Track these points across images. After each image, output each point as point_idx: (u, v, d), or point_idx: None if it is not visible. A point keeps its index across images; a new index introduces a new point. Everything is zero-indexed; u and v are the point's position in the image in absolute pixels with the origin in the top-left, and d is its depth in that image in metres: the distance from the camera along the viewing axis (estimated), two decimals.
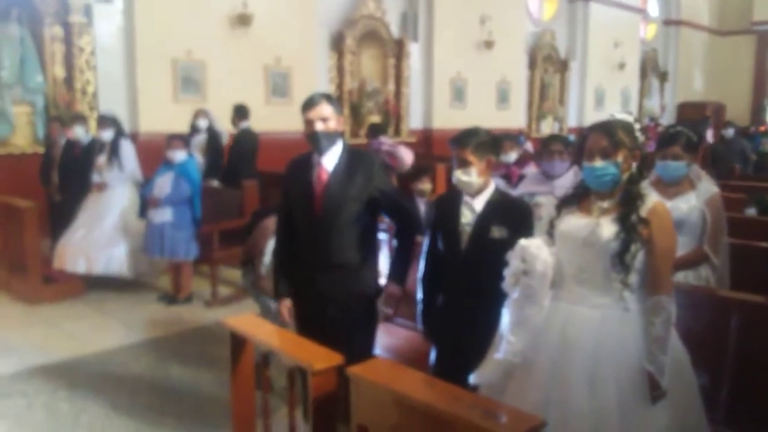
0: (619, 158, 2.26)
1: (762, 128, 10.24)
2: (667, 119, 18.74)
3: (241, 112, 7.40)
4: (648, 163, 2.36)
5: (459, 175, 2.73)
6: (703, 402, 2.35)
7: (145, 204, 5.55)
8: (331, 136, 2.88)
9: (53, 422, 3.60)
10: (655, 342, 2.20)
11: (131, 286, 5.97)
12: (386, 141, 7.27)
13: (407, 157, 6.87)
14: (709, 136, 8.39)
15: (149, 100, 7.86)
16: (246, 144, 7.29)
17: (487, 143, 2.78)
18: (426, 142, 11.60)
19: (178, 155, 5.49)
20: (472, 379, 2.50)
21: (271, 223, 3.77)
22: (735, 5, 20.17)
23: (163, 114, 7.82)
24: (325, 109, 2.87)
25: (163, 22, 7.84)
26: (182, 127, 7.32)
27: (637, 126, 2.32)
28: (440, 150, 11.11)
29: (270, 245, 3.74)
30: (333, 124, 2.88)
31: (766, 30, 20.02)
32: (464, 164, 2.72)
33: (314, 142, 2.87)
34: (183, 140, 5.60)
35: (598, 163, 2.27)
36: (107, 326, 5.12)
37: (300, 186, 2.95)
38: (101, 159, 5.88)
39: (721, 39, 20.70)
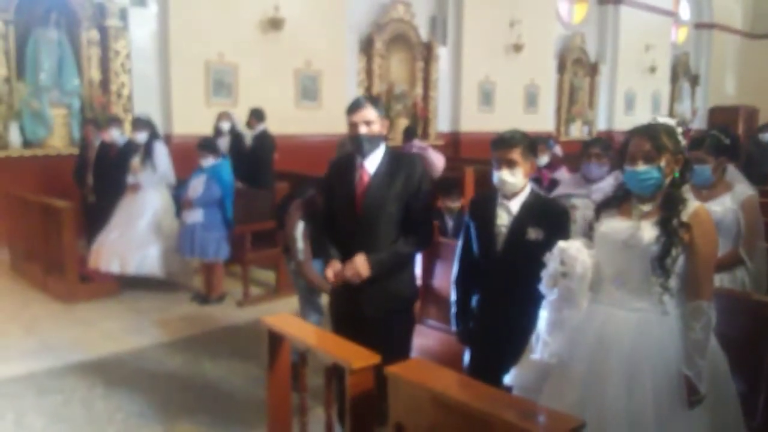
0: (662, 162, 2.24)
1: None
2: (699, 123, 18.48)
3: (258, 115, 7.47)
4: (689, 168, 2.33)
5: (505, 177, 2.72)
6: (741, 408, 2.32)
7: (180, 205, 5.64)
8: (375, 139, 2.92)
9: (89, 419, 3.67)
10: (694, 346, 2.18)
11: (165, 286, 6.06)
12: (417, 144, 7.29)
13: (439, 161, 6.89)
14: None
15: (182, 102, 8.00)
16: (266, 146, 7.37)
17: (532, 145, 2.79)
18: (454, 146, 11.60)
19: (207, 163, 5.60)
20: (507, 379, 2.51)
21: (294, 208, 3.91)
22: (767, 8, 19.81)
23: (195, 116, 7.95)
24: (370, 113, 2.90)
25: (196, 26, 7.98)
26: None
27: (679, 130, 2.30)
28: (468, 153, 11.11)
29: (299, 230, 3.85)
30: (377, 128, 2.91)
31: None
32: (511, 165, 2.71)
33: (358, 145, 2.91)
34: (211, 148, 5.67)
35: (641, 167, 2.26)
36: (141, 325, 5.20)
37: (342, 187, 2.99)
38: (135, 161, 5.98)
39: (754, 42, 20.35)
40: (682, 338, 2.21)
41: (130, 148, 6.19)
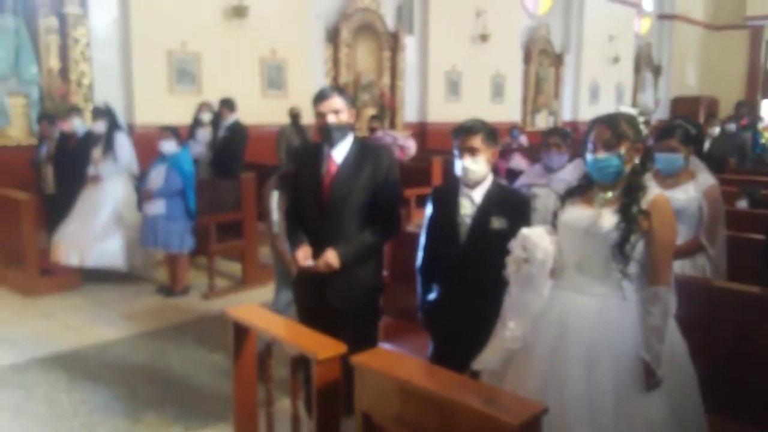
0: (622, 150, 2.28)
1: (743, 122, 10.23)
2: (661, 113, 18.83)
3: (229, 105, 7.40)
4: (650, 156, 2.38)
5: (468, 164, 2.74)
6: (699, 391, 2.38)
7: (141, 197, 5.55)
8: (343, 129, 2.92)
9: (53, 413, 3.60)
10: (651, 331, 2.23)
11: (128, 278, 5.98)
12: (390, 133, 7.32)
13: (410, 143, 6.94)
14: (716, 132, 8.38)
15: (145, 91, 7.85)
16: (239, 137, 7.30)
17: (494, 133, 2.82)
18: (421, 136, 11.60)
19: (168, 146, 5.50)
20: (474, 365, 2.52)
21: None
22: (728, 0, 20.22)
23: (158, 106, 7.81)
24: (337, 102, 2.90)
25: (159, 14, 7.82)
26: (177, 118, 7.31)
27: (641, 119, 2.34)
28: (435, 143, 11.15)
29: (273, 201, 3.84)
30: (345, 117, 2.92)
31: (760, 25, 20.09)
32: (473, 152, 2.74)
33: (326, 134, 2.91)
34: (174, 132, 5.59)
35: (602, 154, 2.30)
36: (105, 318, 5.12)
37: (309, 176, 2.99)
38: (96, 151, 5.86)
39: (714, 33, 20.78)
40: (641, 323, 2.26)
41: (89, 138, 6.06)
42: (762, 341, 2.64)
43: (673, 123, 3.40)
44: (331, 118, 2.88)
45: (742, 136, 9.60)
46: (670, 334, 2.32)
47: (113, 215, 5.85)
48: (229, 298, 5.59)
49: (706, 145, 8.06)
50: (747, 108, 9.98)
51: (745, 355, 2.69)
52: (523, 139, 11.89)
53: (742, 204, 5.53)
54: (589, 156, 2.34)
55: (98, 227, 5.77)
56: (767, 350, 2.61)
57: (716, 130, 9.16)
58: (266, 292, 5.28)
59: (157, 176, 5.51)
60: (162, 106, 7.79)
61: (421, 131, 11.73)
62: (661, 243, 2.27)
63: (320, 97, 2.93)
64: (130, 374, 4.12)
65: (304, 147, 3.24)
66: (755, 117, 12.68)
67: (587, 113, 15.70)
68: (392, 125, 11.14)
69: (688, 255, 3.22)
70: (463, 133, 2.76)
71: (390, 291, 3.78)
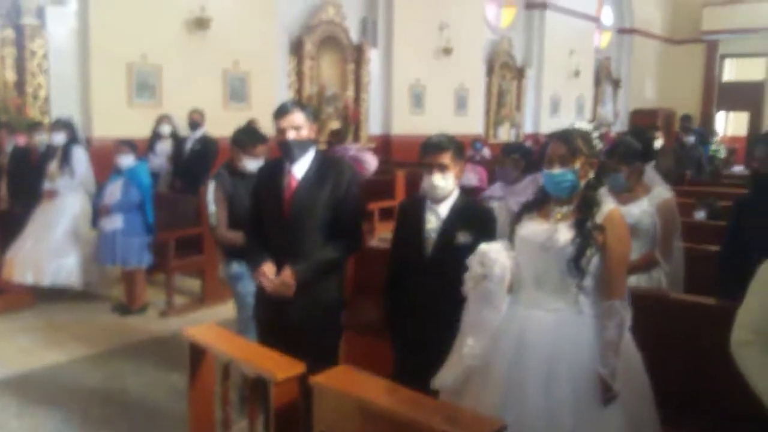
0: (577, 165, 2.31)
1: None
2: (621, 126, 19.20)
3: (199, 117, 7.31)
4: (605, 171, 2.41)
5: (437, 181, 2.74)
6: (655, 402, 2.40)
7: (97, 212, 5.41)
8: (303, 145, 2.89)
9: None
10: (607, 345, 2.25)
11: (83, 296, 5.81)
12: (352, 147, 7.28)
13: (372, 162, 6.90)
14: (658, 144, 8.45)
15: (103, 104, 7.69)
16: (210, 150, 7.20)
17: (461, 149, 2.83)
18: (385, 148, 11.63)
19: (126, 160, 5.40)
20: (433, 383, 2.51)
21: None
22: (685, 15, 20.79)
23: (117, 119, 7.66)
24: (298, 118, 2.87)
25: (118, 25, 7.69)
26: (137, 131, 7.23)
27: (595, 134, 2.37)
28: (399, 155, 11.17)
29: (210, 193, 3.84)
30: (305, 132, 2.89)
31: (715, 39, 20.70)
32: (443, 169, 2.74)
33: (286, 150, 2.88)
34: (131, 145, 5.49)
35: (557, 169, 2.32)
36: (59, 339, 4.96)
37: (270, 192, 2.95)
38: (53, 166, 5.71)
39: (672, 47, 21.32)
40: (598, 337, 2.27)
41: (49, 153, 5.91)
42: (716, 353, 2.67)
43: (616, 141, 3.45)
44: (292, 134, 2.85)
45: (699, 150, 9.86)
46: (626, 347, 2.34)
47: (70, 231, 5.69)
48: (188, 316, 5.48)
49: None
50: (690, 121, 10.27)
51: (699, 367, 2.73)
52: (486, 152, 12.00)
53: (701, 215, 5.64)
54: (545, 170, 2.36)
55: (54, 244, 5.60)
56: (721, 362, 2.64)
57: (691, 139, 9.43)
58: (227, 309, 5.19)
59: (114, 191, 5.39)
60: (121, 119, 7.64)
61: (386, 143, 11.75)
62: (616, 257, 2.29)
63: (281, 113, 2.89)
64: (84, 397, 3.99)
65: (265, 164, 3.19)
66: (704, 130, 13.01)
67: (548, 126, 15.91)
68: (356, 138, 11.14)
69: (643, 270, 3.26)
70: (433, 150, 2.76)
71: (353, 306, 3.75)
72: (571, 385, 2.23)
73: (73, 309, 5.62)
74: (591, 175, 2.34)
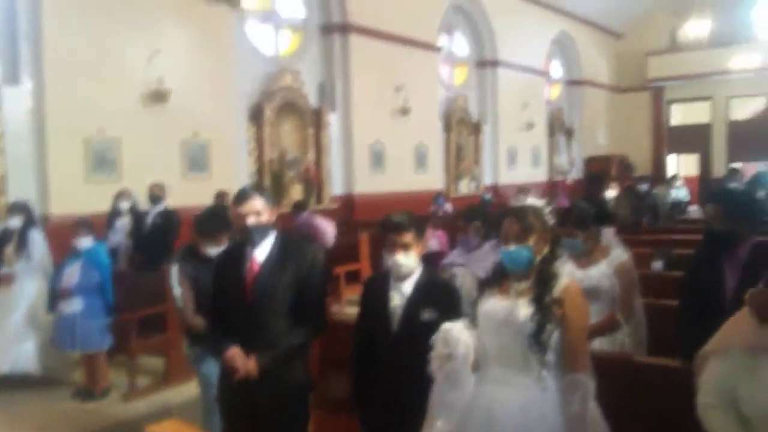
0: (531, 241, 2.37)
1: (626, 183, 10.81)
2: (576, 173, 19.71)
3: (160, 190, 7.27)
4: (559, 243, 2.48)
5: (400, 260, 2.78)
6: None
7: (54, 296, 5.28)
8: (263, 229, 2.91)
9: None
10: (572, 420, 2.26)
11: (42, 382, 5.59)
12: (305, 215, 7.31)
13: (329, 229, 6.92)
14: (611, 193, 8.55)
15: (61, 181, 7.59)
16: (172, 224, 7.14)
17: (423, 226, 2.87)
18: (348, 208, 11.70)
19: (84, 242, 5.32)
20: None
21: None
22: (631, 64, 21.63)
23: (75, 195, 7.57)
24: (257, 203, 2.89)
25: (75, 102, 7.66)
26: (96, 207, 7.18)
27: (547, 210, 2.44)
28: (362, 214, 11.25)
29: (173, 275, 3.90)
30: (265, 217, 2.90)
31: (659, 86, 21.58)
32: (405, 248, 2.78)
33: (246, 236, 2.89)
34: (88, 226, 5.41)
35: (512, 246, 2.38)
36: (19, 430, 4.75)
37: (232, 277, 2.94)
38: (9, 250, 5.59)
39: (619, 96, 22.15)
40: (563, 413, 2.28)
41: (4, 236, 5.78)
42: (683, 416, 2.70)
43: (568, 207, 3.54)
44: (252, 220, 2.87)
45: (653, 196, 10.16)
46: (592, 417, 2.35)
47: (28, 316, 5.54)
48: (152, 397, 5.31)
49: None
50: (631, 170, 10.64)
51: (664, 429, 2.74)
52: (448, 207, 12.15)
53: (658, 265, 5.74)
54: (502, 248, 2.42)
55: (13, 330, 5.46)
56: (689, 424, 2.67)
57: (644, 186, 9.71)
58: (191, 388, 5.07)
59: (73, 273, 5.28)
60: (79, 195, 7.55)
61: (348, 203, 11.83)
62: (576, 329, 2.33)
63: (240, 198, 2.91)
64: None
65: (226, 249, 3.20)
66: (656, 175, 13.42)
67: (507, 177, 16.28)
68: (319, 199, 11.19)
69: (606, 332, 3.31)
70: (394, 229, 2.81)
71: (320, 383, 3.69)
72: None
73: (33, 397, 5.40)
74: (546, 249, 2.40)
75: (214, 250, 3.77)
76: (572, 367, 2.31)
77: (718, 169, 20.28)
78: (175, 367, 5.56)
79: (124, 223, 7.06)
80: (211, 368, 3.62)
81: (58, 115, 7.58)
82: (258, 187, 3.06)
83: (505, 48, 15.96)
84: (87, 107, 7.77)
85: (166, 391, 5.42)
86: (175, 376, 5.54)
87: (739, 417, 2.03)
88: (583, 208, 3.46)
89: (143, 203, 7.52)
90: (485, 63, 15.89)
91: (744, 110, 21.37)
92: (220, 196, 7.82)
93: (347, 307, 7.38)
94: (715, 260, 3.15)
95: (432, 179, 13.73)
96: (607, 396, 2.47)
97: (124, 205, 7.08)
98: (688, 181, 18.28)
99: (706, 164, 21.23)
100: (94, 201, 7.31)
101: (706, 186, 19.53)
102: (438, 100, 14.17)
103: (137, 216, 7.13)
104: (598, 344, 3.22)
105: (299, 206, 7.57)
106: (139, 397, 5.32)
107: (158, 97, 8.47)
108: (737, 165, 17.01)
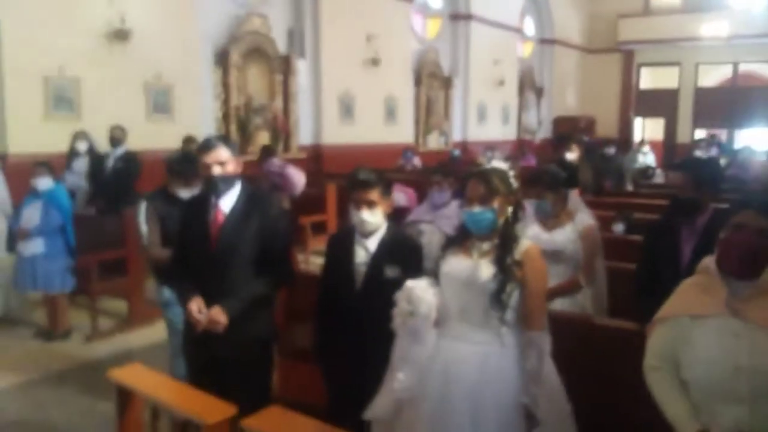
0: (495, 204, 2.42)
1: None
2: (544, 133, 19.87)
3: (121, 133, 7.12)
4: (521, 208, 2.53)
5: (365, 217, 2.79)
6: (575, 425, 2.54)
7: (13, 237, 5.21)
8: (229, 180, 2.90)
9: None
10: (529, 375, 2.36)
11: (3, 323, 5.57)
12: (276, 163, 7.25)
13: (299, 179, 6.89)
14: (571, 156, 8.47)
15: (18, 119, 7.37)
16: (133, 168, 7.01)
17: (389, 185, 2.88)
18: (316, 159, 11.63)
19: (43, 183, 5.24)
20: (365, 414, 2.56)
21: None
22: (602, 26, 21.69)
23: (34, 134, 7.37)
24: (223, 153, 2.87)
25: (34, 39, 7.38)
26: (55, 147, 7.01)
27: (511, 174, 2.49)
28: (331, 165, 11.20)
29: (141, 214, 3.85)
30: (231, 167, 2.89)
31: (630, 49, 21.69)
32: (370, 205, 2.79)
33: (211, 186, 2.88)
34: (47, 167, 5.31)
35: (476, 208, 2.42)
36: None
37: (196, 227, 2.94)
38: None
39: (590, 57, 22.22)
40: (520, 368, 2.38)
41: None
42: (633, 376, 2.83)
43: (540, 169, 3.60)
44: (217, 170, 2.85)
45: (620, 159, 10.29)
46: (547, 375, 2.46)
47: None
48: (114, 340, 5.34)
49: None
50: (582, 139, 10.58)
51: (619, 389, 2.87)
52: (417, 161, 12.18)
53: (619, 228, 5.88)
54: (465, 210, 2.46)
55: None
56: (638, 384, 2.80)
57: (611, 150, 9.81)
58: (154, 331, 5.12)
59: (33, 214, 5.21)
60: (38, 135, 7.35)
61: (316, 154, 11.75)
62: (534, 291, 2.41)
63: (205, 148, 2.89)
64: (7, 430, 3.84)
65: (191, 198, 3.18)
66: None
67: (476, 134, 16.34)
68: (287, 148, 11.08)
69: (568, 293, 3.42)
70: (360, 186, 2.81)
71: (285, 333, 3.76)
72: (498, 416, 2.32)
73: None
74: (509, 212, 2.46)
75: (185, 193, 3.76)
76: (530, 325, 2.39)
77: (683, 135, 20.69)
78: (138, 310, 5.59)
79: (81, 164, 6.91)
80: (178, 314, 3.64)
81: (16, 53, 7.30)
82: (223, 138, 3.02)
83: (479, 2, 15.79)
84: (46, 45, 7.50)
85: (128, 335, 5.45)
86: (137, 320, 5.57)
87: (679, 380, 2.15)
88: (555, 170, 3.52)
89: (104, 145, 7.36)
90: (459, 16, 15.71)
91: (711, 78, 21.68)
92: (188, 141, 7.69)
93: (313, 258, 7.44)
94: (673, 227, 3.23)
95: (401, 132, 13.70)
96: (565, 354, 2.57)
97: (82, 147, 6.91)
98: (653, 145, 18.63)
99: (671, 129, 21.59)
100: (54, 141, 7.13)
101: (670, 151, 19.95)
102: (409, 52, 14.01)
103: (96, 158, 6.97)
104: (560, 305, 3.32)
105: (268, 151, 7.46)
106: (101, 340, 5.34)
107: (119, 36, 8.20)
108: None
